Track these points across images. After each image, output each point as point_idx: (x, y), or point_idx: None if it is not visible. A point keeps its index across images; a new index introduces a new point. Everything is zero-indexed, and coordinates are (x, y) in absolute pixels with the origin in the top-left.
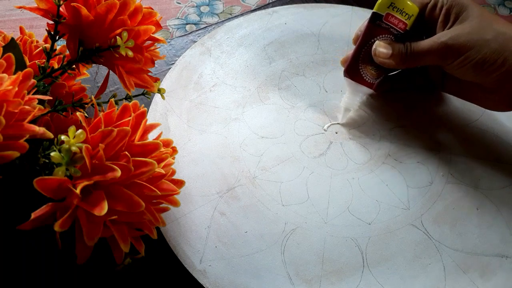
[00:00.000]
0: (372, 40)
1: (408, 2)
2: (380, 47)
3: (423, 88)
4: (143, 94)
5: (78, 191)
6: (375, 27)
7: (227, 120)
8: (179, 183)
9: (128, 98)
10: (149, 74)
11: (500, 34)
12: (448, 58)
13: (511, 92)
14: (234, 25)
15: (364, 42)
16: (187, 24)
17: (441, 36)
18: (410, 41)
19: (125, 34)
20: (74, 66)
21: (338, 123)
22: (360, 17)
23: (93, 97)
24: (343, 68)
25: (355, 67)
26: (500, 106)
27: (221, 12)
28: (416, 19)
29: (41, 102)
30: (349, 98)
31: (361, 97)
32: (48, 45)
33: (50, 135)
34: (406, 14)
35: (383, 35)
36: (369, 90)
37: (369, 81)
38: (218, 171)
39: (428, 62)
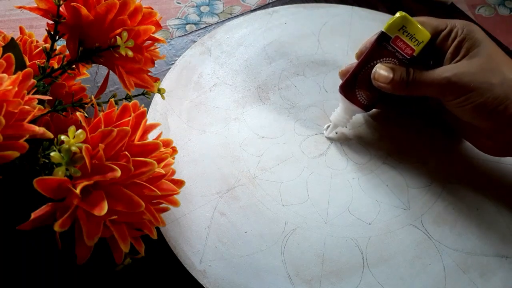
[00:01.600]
0: (374, 62)
1: (420, 28)
2: (381, 70)
3: (421, 116)
4: (143, 94)
5: (78, 191)
6: (380, 49)
7: (227, 120)
8: (179, 183)
9: (128, 98)
10: (149, 74)
11: (507, 80)
12: (448, 95)
13: (506, 141)
14: (234, 25)
15: (365, 62)
16: (187, 24)
17: (445, 71)
18: (414, 68)
19: (125, 34)
20: (74, 66)
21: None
22: (360, 17)
23: (93, 97)
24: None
25: (352, 85)
26: (493, 151)
27: (221, 12)
28: (427, 44)
29: (41, 102)
30: (339, 115)
31: (351, 115)
32: (48, 45)
33: (50, 135)
34: (416, 40)
35: (387, 59)
36: (361, 111)
37: (363, 102)
38: (218, 171)
39: (428, 94)
